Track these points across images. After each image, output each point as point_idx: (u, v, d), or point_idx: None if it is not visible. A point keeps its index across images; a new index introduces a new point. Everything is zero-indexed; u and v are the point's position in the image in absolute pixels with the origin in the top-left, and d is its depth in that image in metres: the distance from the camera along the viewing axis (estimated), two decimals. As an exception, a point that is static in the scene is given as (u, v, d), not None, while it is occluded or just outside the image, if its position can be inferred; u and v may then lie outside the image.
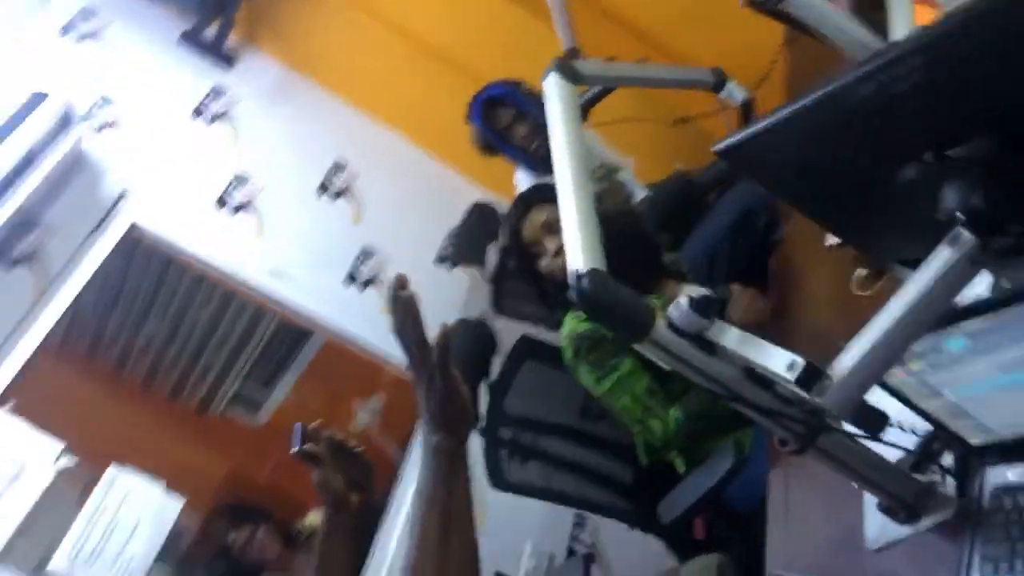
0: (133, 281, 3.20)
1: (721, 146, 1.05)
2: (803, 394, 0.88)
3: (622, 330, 1.06)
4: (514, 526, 2.60)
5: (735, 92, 1.60)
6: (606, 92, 2.37)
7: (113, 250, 2.68)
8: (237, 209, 2.89)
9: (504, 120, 2.56)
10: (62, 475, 2.20)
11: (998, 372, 0.95)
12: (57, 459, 2.19)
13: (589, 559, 2.08)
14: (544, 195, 1.87)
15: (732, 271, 2.08)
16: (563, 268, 1.85)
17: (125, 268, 3.07)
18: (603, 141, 2.81)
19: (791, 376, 0.87)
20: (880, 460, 1.09)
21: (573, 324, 1.89)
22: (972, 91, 0.81)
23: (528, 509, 2.28)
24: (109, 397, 4.29)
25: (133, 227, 2.72)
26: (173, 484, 4.24)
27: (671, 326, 1.04)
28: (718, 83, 1.58)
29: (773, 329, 1.84)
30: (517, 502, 2.11)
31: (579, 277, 1.06)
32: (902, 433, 1.16)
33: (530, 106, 2.54)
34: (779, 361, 0.90)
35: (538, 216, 1.89)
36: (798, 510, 1.47)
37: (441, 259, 3.12)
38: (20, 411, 2.45)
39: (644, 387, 1.80)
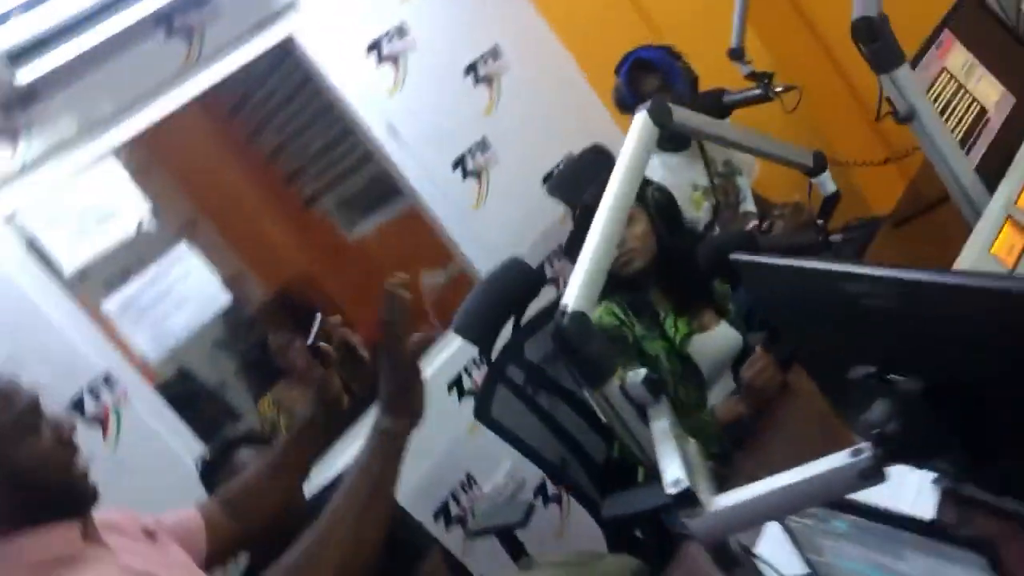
0: (271, 84, 3.39)
1: (737, 258, 1.11)
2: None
3: (579, 372, 1.15)
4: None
5: (827, 183, 1.60)
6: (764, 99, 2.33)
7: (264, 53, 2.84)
8: (384, 59, 3.00)
9: (648, 86, 2.57)
10: (142, 234, 2.44)
11: (866, 564, 1.02)
12: (142, 220, 2.44)
13: (533, 509, 2.23)
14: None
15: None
16: (622, 260, 1.94)
17: (269, 70, 3.25)
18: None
19: (670, 491, 0.96)
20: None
21: (602, 312, 1.98)
22: (927, 340, 0.85)
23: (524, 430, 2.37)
24: (230, 166, 4.61)
25: (289, 38, 2.87)
26: (256, 256, 4.59)
27: (622, 389, 1.14)
28: (816, 168, 1.58)
29: (777, 401, 1.90)
30: (516, 420, 2.24)
31: (563, 313, 1.15)
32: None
33: (679, 82, 2.54)
34: (671, 473, 0.99)
35: None
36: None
37: (545, 180, 3.20)
38: (131, 161, 2.70)
39: None
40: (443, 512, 2.75)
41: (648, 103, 1.30)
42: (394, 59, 3.02)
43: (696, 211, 2.60)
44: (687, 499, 0.96)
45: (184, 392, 3.64)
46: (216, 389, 4.37)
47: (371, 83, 2.97)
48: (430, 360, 2.85)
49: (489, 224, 3.09)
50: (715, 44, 2.53)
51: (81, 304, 2.38)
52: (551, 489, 2.95)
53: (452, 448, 2.80)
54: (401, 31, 3.05)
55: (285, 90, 3.50)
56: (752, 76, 2.31)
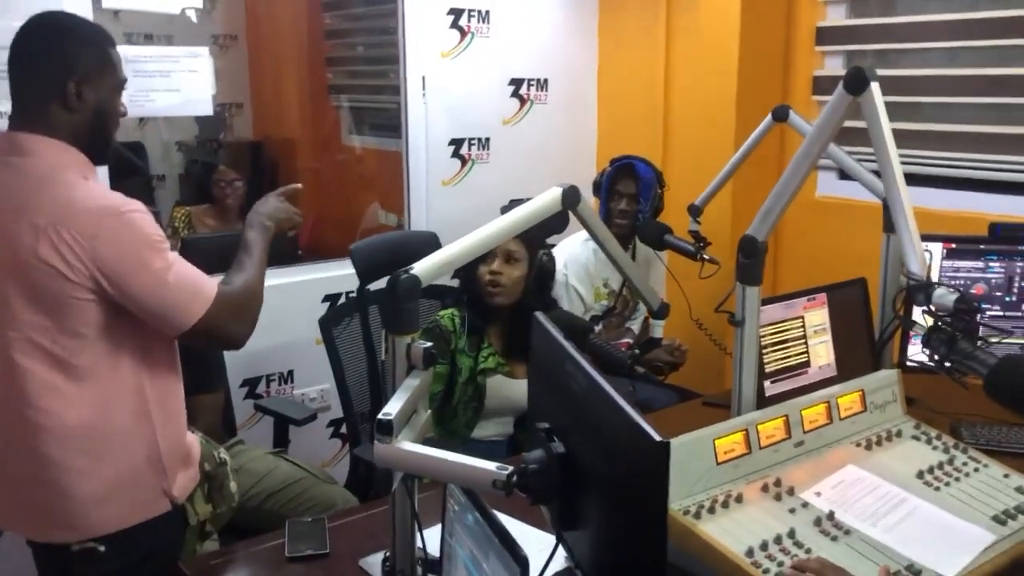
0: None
1: (537, 314, 1.45)
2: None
3: (390, 317, 1.47)
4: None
5: (658, 329, 1.96)
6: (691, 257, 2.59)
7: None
8: (456, 27, 3.32)
9: (623, 188, 2.91)
10: (182, 19, 2.73)
11: (468, 555, 1.35)
12: (190, 8, 2.72)
13: (315, 417, 2.55)
14: (536, 231, 2.21)
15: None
16: (487, 283, 2.27)
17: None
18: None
19: (380, 417, 1.28)
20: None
21: (447, 314, 2.36)
22: (585, 426, 1.19)
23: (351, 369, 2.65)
24: (293, 19, 4.89)
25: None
26: (263, 102, 4.85)
27: (407, 348, 1.46)
28: (658, 314, 1.94)
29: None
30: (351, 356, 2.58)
31: (408, 270, 1.46)
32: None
33: (646, 202, 2.89)
34: (389, 407, 1.31)
35: (513, 242, 2.30)
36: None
37: (511, 202, 3.52)
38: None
39: (433, 390, 2.24)
40: (251, 383, 3.05)
41: (567, 185, 1.64)
42: (463, 32, 3.35)
43: (593, 301, 2.95)
44: (385, 427, 1.28)
45: (126, 160, 3.91)
46: (152, 176, 4.66)
47: (434, 36, 3.30)
48: (324, 269, 3.18)
49: (446, 203, 3.41)
50: (698, 186, 2.87)
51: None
52: (344, 428, 3.25)
53: (294, 344, 3.09)
54: (484, 16, 3.38)
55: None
56: (693, 235, 2.67)
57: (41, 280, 1.59)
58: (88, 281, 1.60)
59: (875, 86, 1.57)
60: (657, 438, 1.01)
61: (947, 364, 1.50)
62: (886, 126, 1.56)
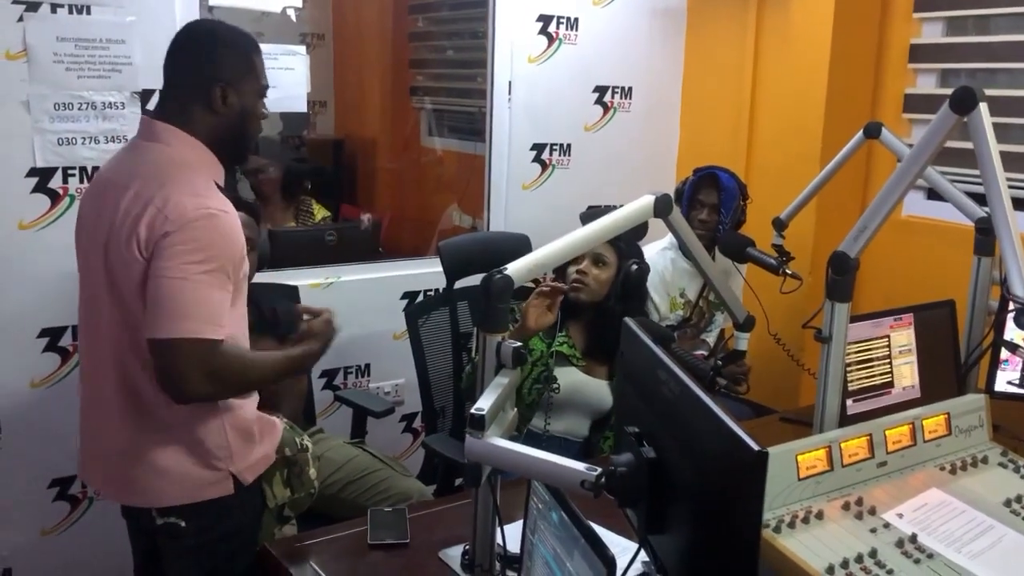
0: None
1: (626, 320, 1.47)
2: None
3: (482, 315, 1.50)
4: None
5: (741, 342, 1.96)
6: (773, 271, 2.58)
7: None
8: (544, 33, 3.34)
9: (705, 197, 2.90)
10: (280, 16, 2.80)
11: (551, 553, 1.37)
12: (290, 8, 2.79)
13: (393, 410, 2.59)
14: (630, 235, 2.16)
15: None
16: (573, 280, 2.31)
17: None
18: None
19: (472, 412, 1.32)
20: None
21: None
22: (676, 431, 1.20)
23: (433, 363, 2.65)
24: (380, 19, 4.98)
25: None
26: (345, 100, 4.93)
27: (498, 345, 1.49)
28: (743, 327, 1.93)
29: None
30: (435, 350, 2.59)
31: (503, 270, 1.49)
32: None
33: (728, 212, 2.88)
34: (482, 403, 1.34)
35: (604, 246, 2.33)
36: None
37: (589, 208, 3.53)
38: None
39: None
40: (330, 374, 3.11)
41: (660, 193, 1.65)
42: (552, 39, 3.38)
43: (669, 310, 2.94)
44: (478, 422, 1.31)
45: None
46: (236, 169, 4.75)
47: (523, 42, 3.33)
48: (404, 267, 3.24)
49: (525, 207, 3.44)
50: (780, 199, 2.84)
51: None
52: (417, 423, 3.30)
53: (372, 338, 3.15)
54: (573, 24, 3.41)
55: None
56: (777, 248, 2.65)
57: (122, 254, 1.63)
58: (144, 250, 1.61)
59: (983, 106, 1.55)
60: (755, 448, 1.02)
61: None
62: (994, 148, 1.54)
